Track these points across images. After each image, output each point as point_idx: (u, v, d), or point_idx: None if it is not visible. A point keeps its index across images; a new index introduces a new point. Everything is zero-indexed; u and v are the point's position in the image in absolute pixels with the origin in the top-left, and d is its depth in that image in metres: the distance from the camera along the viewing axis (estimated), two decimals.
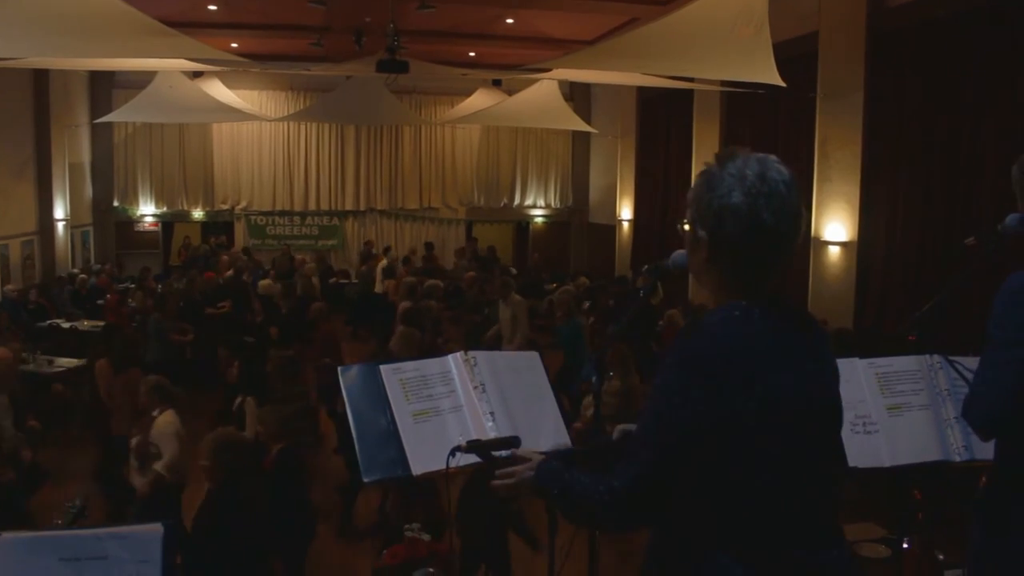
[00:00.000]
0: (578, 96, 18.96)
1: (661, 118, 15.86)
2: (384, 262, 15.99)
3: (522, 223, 20.84)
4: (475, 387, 2.71)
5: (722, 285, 1.90)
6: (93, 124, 16.78)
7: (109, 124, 16.86)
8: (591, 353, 8.86)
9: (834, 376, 1.96)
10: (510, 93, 15.83)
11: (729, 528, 1.81)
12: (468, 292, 13.22)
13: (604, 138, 18.37)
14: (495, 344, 9.45)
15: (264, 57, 15.72)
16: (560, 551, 2.55)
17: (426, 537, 5.02)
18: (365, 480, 2.53)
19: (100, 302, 13.77)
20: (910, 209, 9.13)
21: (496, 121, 17.58)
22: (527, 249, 20.51)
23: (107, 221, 18.22)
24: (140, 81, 14.66)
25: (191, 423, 7.52)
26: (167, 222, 18.99)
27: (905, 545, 3.15)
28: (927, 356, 3.00)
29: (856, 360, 2.92)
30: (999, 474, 2.43)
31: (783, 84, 8.50)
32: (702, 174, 1.89)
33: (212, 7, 12.98)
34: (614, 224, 17.89)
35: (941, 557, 3.24)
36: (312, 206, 19.27)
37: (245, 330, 10.07)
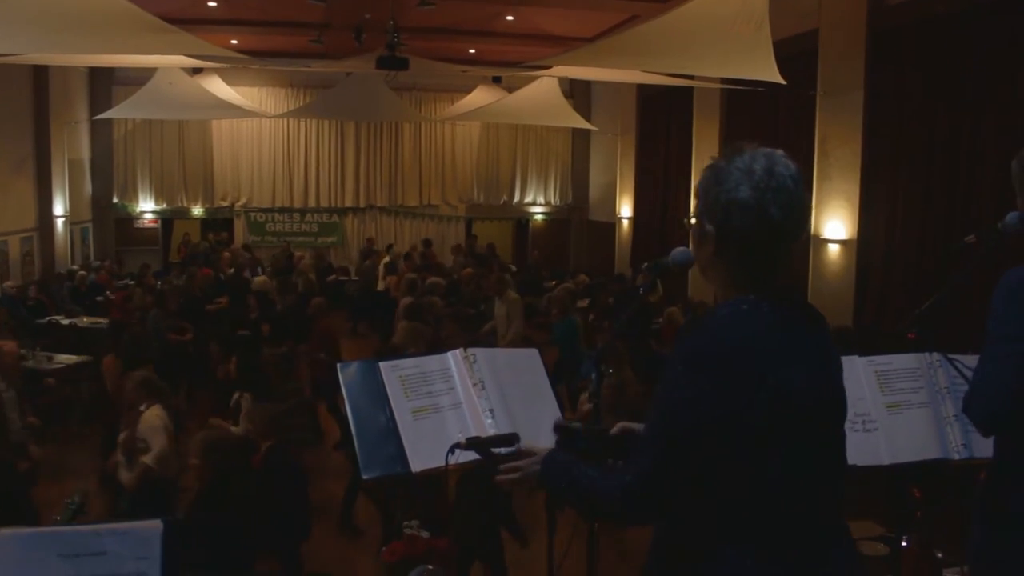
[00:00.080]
0: (578, 93, 18.95)
1: (661, 116, 15.85)
2: (387, 259, 16.01)
3: (522, 220, 20.84)
4: (474, 384, 2.71)
5: (729, 279, 1.90)
6: (93, 120, 16.77)
7: (109, 120, 16.85)
8: (590, 351, 8.88)
9: (839, 370, 1.97)
10: (510, 90, 15.82)
11: (738, 522, 1.82)
12: (465, 288, 13.22)
13: (604, 135, 18.36)
14: (489, 340, 9.46)
15: (264, 54, 15.70)
16: (559, 551, 2.55)
17: (425, 534, 5.03)
18: (364, 477, 2.54)
19: (99, 299, 13.79)
20: (910, 207, 9.13)
21: (496, 118, 17.57)
22: (527, 246, 20.51)
23: (107, 218, 18.21)
24: (140, 78, 14.65)
25: (190, 419, 7.56)
26: (167, 219, 18.99)
27: (904, 543, 3.14)
28: (926, 354, 3.00)
29: (855, 358, 2.92)
30: (999, 470, 2.43)
31: (783, 82, 8.50)
32: (709, 168, 1.90)
33: (212, 3, 12.97)
34: (614, 222, 17.88)
35: (940, 555, 3.24)
36: (312, 203, 19.27)
37: (239, 326, 10.04)
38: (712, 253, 1.90)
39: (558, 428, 2.35)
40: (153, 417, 5.64)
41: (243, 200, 18.92)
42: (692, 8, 8.16)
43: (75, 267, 15.23)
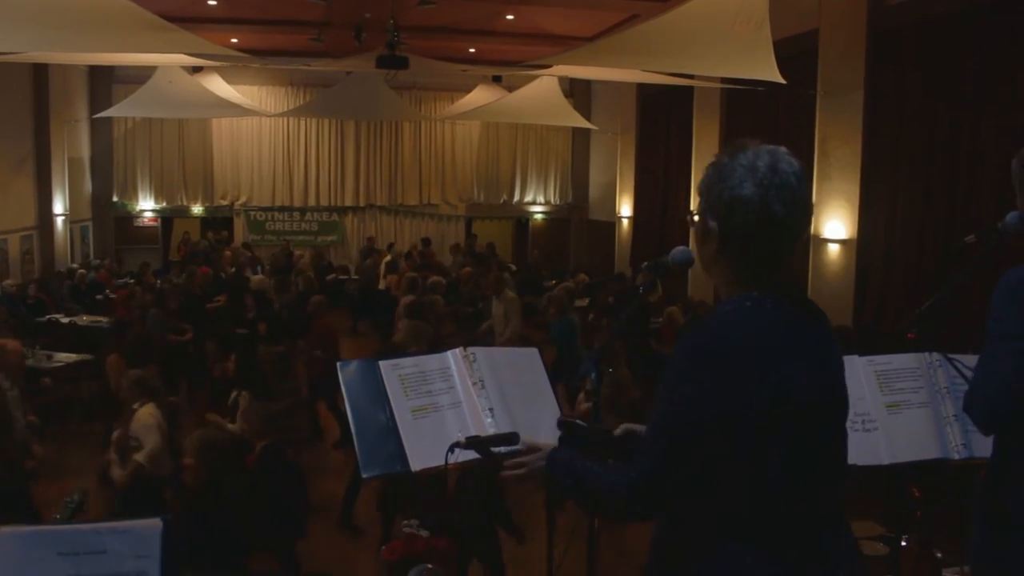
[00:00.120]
0: (578, 93, 18.94)
1: (661, 115, 15.85)
2: (388, 257, 16.01)
3: (522, 220, 20.84)
4: (474, 383, 2.71)
5: (732, 277, 1.90)
6: (92, 119, 16.77)
7: (108, 119, 16.85)
8: (590, 350, 8.88)
9: (841, 369, 1.97)
10: (510, 89, 15.83)
11: (738, 519, 1.82)
12: (463, 287, 13.22)
13: (604, 135, 18.36)
14: (486, 339, 9.45)
15: (264, 52, 15.70)
16: (558, 550, 2.55)
17: (424, 533, 5.03)
18: (364, 476, 2.53)
19: (99, 297, 13.79)
20: (910, 207, 9.13)
21: (496, 117, 17.57)
22: (527, 246, 20.51)
23: (106, 216, 18.22)
24: (140, 76, 14.66)
25: (189, 418, 7.55)
26: (166, 217, 18.99)
27: (903, 543, 3.14)
28: (926, 354, 3.00)
29: (855, 357, 2.92)
30: (998, 469, 2.43)
31: (783, 81, 8.50)
32: (712, 165, 1.90)
33: (212, 2, 12.97)
34: (614, 221, 17.88)
35: (939, 555, 3.24)
36: (312, 202, 19.27)
37: (238, 325, 10.03)
38: (715, 250, 1.90)
39: (562, 424, 2.35)
40: (146, 415, 5.64)
41: (243, 199, 18.92)
42: (692, 7, 8.16)
43: (75, 265, 15.22)
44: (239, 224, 19.10)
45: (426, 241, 18.11)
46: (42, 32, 7.53)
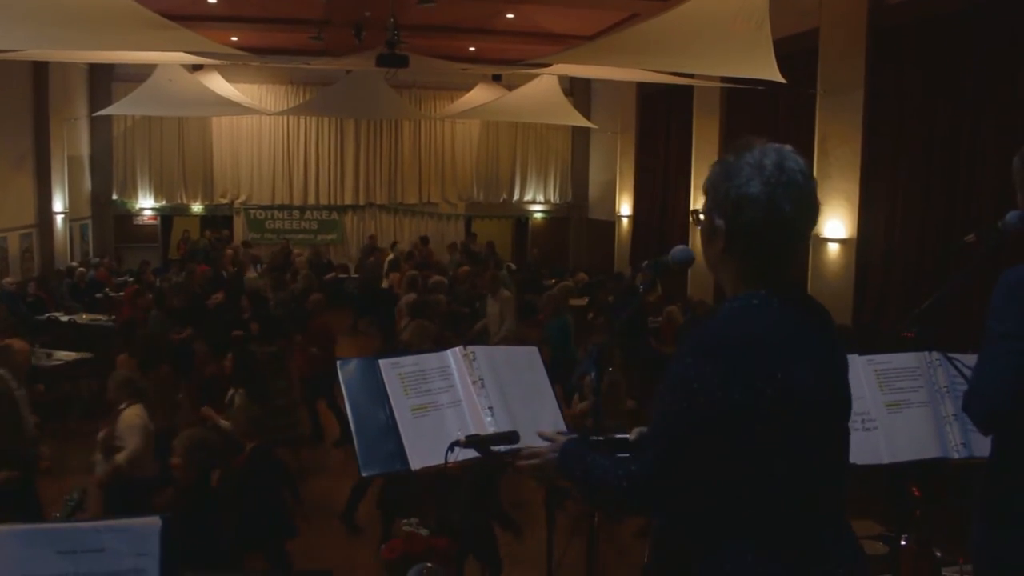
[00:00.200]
0: (578, 91, 18.94)
1: (661, 114, 15.85)
2: (391, 256, 15.99)
3: (521, 218, 20.83)
4: (474, 382, 2.71)
5: (739, 275, 1.90)
6: (92, 117, 16.76)
7: (108, 117, 16.84)
8: (590, 349, 8.87)
9: (845, 368, 1.98)
10: (510, 88, 15.82)
11: (740, 517, 1.82)
12: (461, 287, 13.21)
13: (604, 134, 18.36)
14: (481, 339, 9.43)
15: (264, 51, 15.70)
16: (558, 548, 2.55)
17: (424, 532, 5.04)
18: (364, 474, 2.54)
19: (98, 295, 13.78)
20: (910, 206, 9.13)
21: (496, 116, 17.56)
22: (526, 244, 20.51)
23: (106, 214, 18.20)
24: (139, 74, 14.65)
25: (187, 417, 7.54)
26: (166, 216, 18.98)
27: (903, 542, 3.14)
28: (926, 353, 2.99)
29: (855, 357, 2.91)
30: (998, 468, 2.43)
31: (783, 80, 8.49)
32: (718, 164, 1.90)
33: (212, 0, 12.96)
34: (613, 220, 17.88)
35: (939, 554, 3.24)
36: (311, 200, 19.25)
37: (234, 326, 9.96)
38: (722, 249, 1.89)
39: (563, 434, 2.35)
40: (132, 417, 5.65)
41: (243, 197, 18.91)
42: (692, 6, 8.15)
43: (74, 264, 15.21)
44: (239, 223, 19.09)
45: (424, 240, 18.11)
46: (42, 30, 7.52)
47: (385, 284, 14.70)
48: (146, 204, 18.54)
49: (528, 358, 2.93)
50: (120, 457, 5.49)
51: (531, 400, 2.77)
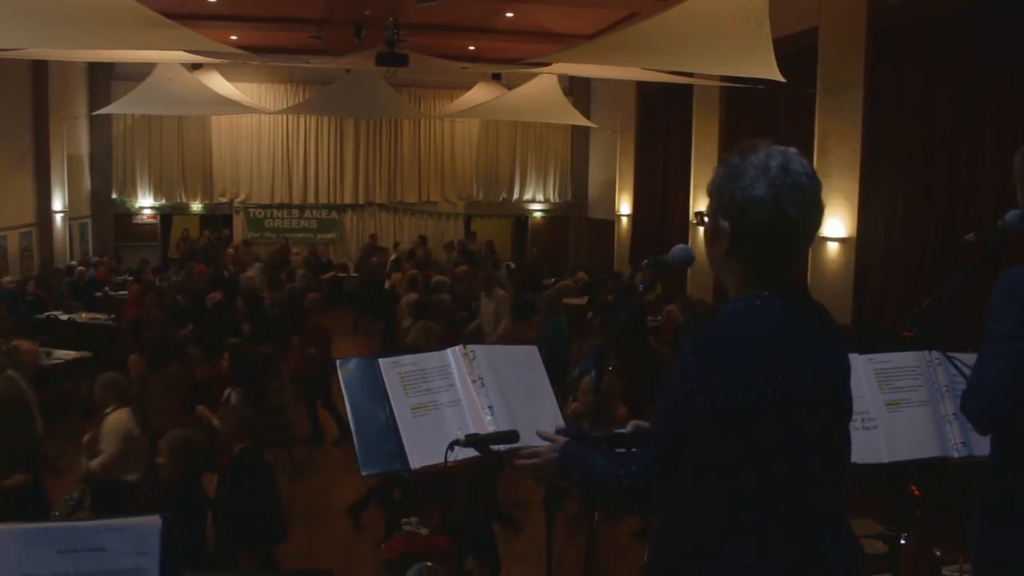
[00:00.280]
0: (578, 91, 18.94)
1: (661, 113, 15.85)
2: (394, 256, 15.97)
3: (521, 217, 20.82)
4: (474, 381, 2.71)
5: (742, 276, 1.90)
6: (92, 116, 16.74)
7: (108, 116, 16.82)
8: (588, 350, 8.86)
9: (847, 370, 1.98)
10: (510, 87, 15.81)
11: (740, 518, 1.82)
12: (459, 286, 13.21)
13: (603, 133, 18.36)
14: (475, 339, 9.41)
15: (263, 50, 15.69)
16: (558, 547, 2.55)
17: (424, 531, 5.04)
18: (363, 474, 2.54)
19: (98, 294, 13.78)
20: (909, 205, 9.13)
21: (495, 115, 17.55)
22: (526, 244, 20.51)
23: (105, 213, 18.19)
24: (139, 73, 14.64)
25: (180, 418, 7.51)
26: (165, 215, 18.97)
27: (902, 541, 3.14)
28: (926, 352, 2.99)
29: (855, 356, 2.91)
30: (997, 468, 2.43)
31: (783, 79, 8.49)
32: (723, 165, 1.90)
33: None
34: (613, 219, 17.88)
35: (939, 553, 3.24)
36: (311, 199, 19.25)
37: (226, 328, 9.91)
38: (726, 251, 1.89)
39: (565, 434, 2.35)
40: (114, 421, 5.65)
41: (242, 196, 18.90)
42: (692, 5, 8.15)
43: (74, 263, 15.20)
44: (238, 221, 19.08)
45: (423, 239, 18.10)
46: (41, 29, 7.52)
47: (387, 284, 14.70)
48: (146, 203, 18.53)
49: (528, 357, 2.94)
50: (94, 463, 5.50)
51: (531, 399, 2.77)
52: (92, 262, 15.82)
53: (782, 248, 1.86)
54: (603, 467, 1.99)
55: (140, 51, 10.76)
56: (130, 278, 14.40)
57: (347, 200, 19.44)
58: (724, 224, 1.87)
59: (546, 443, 2.25)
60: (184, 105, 14.96)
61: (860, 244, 9.69)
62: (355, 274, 17.13)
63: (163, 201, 18.59)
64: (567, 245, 20.55)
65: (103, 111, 15.68)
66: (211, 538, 5.01)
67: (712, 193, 1.92)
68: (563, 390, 7.20)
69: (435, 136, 19.72)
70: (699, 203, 13.09)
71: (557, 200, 20.54)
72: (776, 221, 1.81)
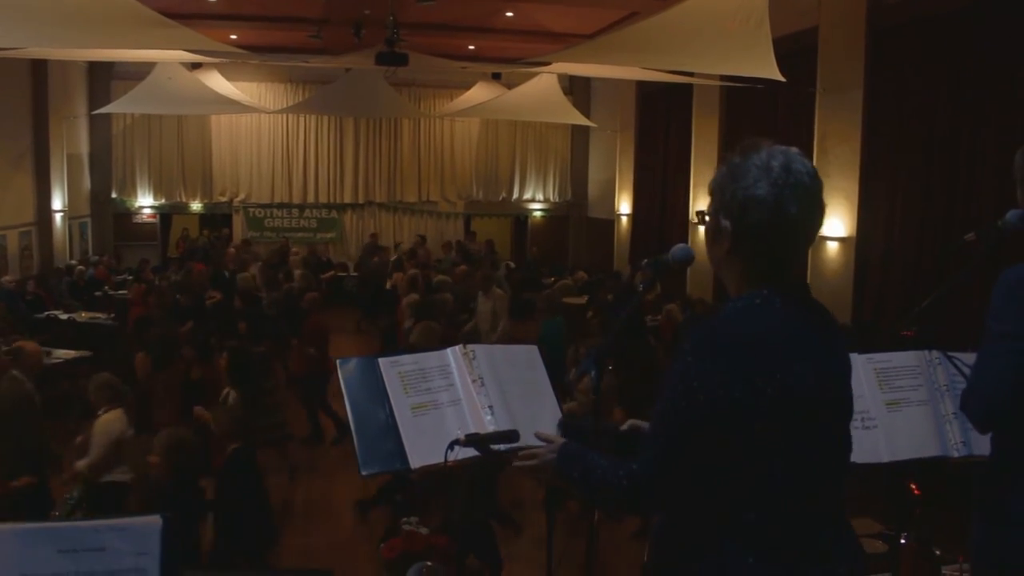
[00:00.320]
0: (577, 90, 18.93)
1: (660, 112, 15.85)
2: (395, 256, 15.97)
3: (521, 217, 20.82)
4: (474, 380, 2.71)
5: (744, 276, 1.90)
6: (91, 115, 16.74)
7: (107, 115, 16.82)
8: (589, 350, 8.85)
9: (847, 369, 1.98)
10: (509, 87, 15.81)
11: (741, 515, 1.82)
12: (458, 286, 13.21)
13: (603, 132, 18.36)
14: (472, 338, 9.40)
15: (263, 49, 15.69)
16: (558, 547, 2.55)
17: (424, 531, 5.04)
18: (363, 473, 2.53)
19: (97, 293, 13.78)
20: (909, 205, 9.13)
21: (495, 115, 17.55)
22: (526, 243, 20.50)
23: (105, 212, 18.19)
24: (139, 72, 14.64)
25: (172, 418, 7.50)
26: (165, 214, 18.97)
27: (903, 540, 3.15)
28: (926, 352, 2.99)
29: (855, 355, 2.91)
30: (997, 468, 2.43)
31: (783, 79, 8.49)
32: (725, 165, 1.90)
33: None
34: (613, 218, 17.88)
35: (938, 553, 3.25)
36: (311, 199, 19.25)
37: (223, 326, 9.89)
38: (727, 250, 1.90)
39: (563, 425, 2.35)
40: (105, 423, 5.65)
41: (242, 195, 18.90)
42: (692, 5, 8.15)
43: (73, 262, 15.21)
44: (238, 221, 19.08)
45: (422, 239, 18.09)
46: (41, 28, 7.51)
47: (388, 284, 14.69)
48: (145, 202, 18.53)
49: (528, 357, 2.93)
50: (81, 464, 5.51)
51: (531, 399, 2.77)
52: (92, 261, 15.83)
53: (783, 247, 1.86)
54: (603, 467, 1.98)
55: (140, 50, 10.75)
56: (130, 277, 14.39)
57: (347, 199, 19.44)
58: (726, 223, 1.88)
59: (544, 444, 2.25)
60: (184, 104, 14.96)
61: (860, 244, 9.69)
62: (355, 273, 17.11)
63: (163, 200, 18.59)
64: (567, 244, 20.55)
65: (103, 110, 15.68)
66: (208, 539, 5.02)
67: (714, 192, 1.92)
68: (560, 390, 7.20)
69: (435, 135, 19.72)
70: (699, 202, 13.10)
71: (557, 199, 20.54)
72: (778, 220, 1.81)
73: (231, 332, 9.55)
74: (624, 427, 2.30)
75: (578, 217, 20.44)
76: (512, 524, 5.93)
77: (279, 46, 16.23)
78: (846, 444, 1.97)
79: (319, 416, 8.90)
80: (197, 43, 9.34)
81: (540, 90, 14.70)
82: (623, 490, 1.91)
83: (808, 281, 9.98)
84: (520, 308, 12.62)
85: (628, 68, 11.78)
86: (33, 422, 5.86)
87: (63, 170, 15.57)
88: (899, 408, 2.90)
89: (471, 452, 2.47)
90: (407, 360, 2.73)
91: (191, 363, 7.59)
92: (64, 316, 11.85)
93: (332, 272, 17.39)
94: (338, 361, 2.69)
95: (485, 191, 20.11)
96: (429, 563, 3.99)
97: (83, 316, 11.96)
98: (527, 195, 20.43)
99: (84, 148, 17.50)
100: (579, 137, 20.12)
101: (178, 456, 4.71)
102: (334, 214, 19.50)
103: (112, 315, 12.21)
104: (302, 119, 18.82)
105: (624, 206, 17.47)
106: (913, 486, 3.08)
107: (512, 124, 19.62)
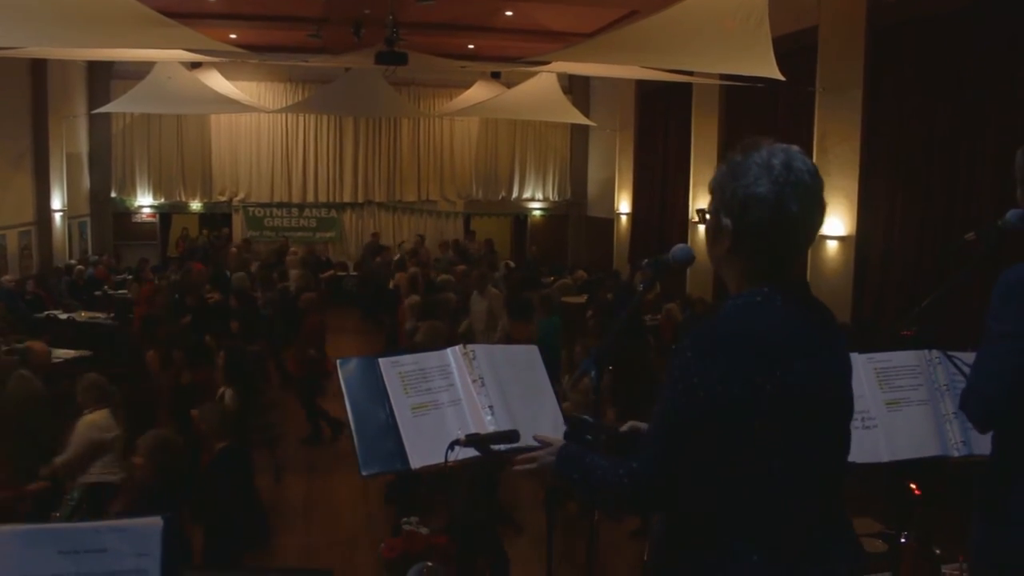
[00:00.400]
0: (577, 89, 18.93)
1: (660, 111, 15.85)
2: (397, 256, 15.95)
3: (520, 216, 20.83)
4: (474, 381, 2.71)
5: (744, 274, 1.90)
6: (91, 114, 16.74)
7: (107, 114, 16.82)
8: (590, 349, 8.85)
9: (847, 368, 1.98)
10: (509, 86, 15.80)
11: (741, 514, 1.82)
12: (458, 286, 13.20)
13: (603, 131, 18.36)
14: (467, 338, 9.38)
15: (262, 48, 15.68)
16: (558, 547, 2.55)
17: (424, 531, 5.04)
18: (363, 473, 2.53)
19: (97, 293, 13.77)
20: (909, 204, 9.14)
21: (495, 114, 17.55)
22: (525, 242, 20.50)
23: (105, 212, 18.19)
24: (138, 72, 14.63)
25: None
26: (165, 213, 18.97)
27: (903, 540, 3.15)
28: (926, 351, 2.99)
29: (855, 355, 2.91)
30: (997, 467, 2.43)
31: (782, 78, 8.49)
32: (725, 163, 1.90)
33: None
34: (612, 218, 17.88)
35: (938, 552, 3.25)
36: (310, 198, 19.25)
37: (219, 326, 9.86)
38: (728, 248, 1.90)
39: (567, 420, 2.35)
40: (86, 425, 5.63)
41: (241, 195, 18.90)
42: (691, 4, 8.15)
43: (73, 261, 15.20)
44: (237, 220, 19.08)
45: (421, 239, 18.08)
46: (41, 27, 7.51)
47: (391, 284, 14.68)
48: (145, 202, 18.53)
49: (528, 357, 2.93)
50: (57, 460, 5.50)
51: (531, 399, 2.77)
52: (91, 261, 15.82)
53: (784, 246, 1.86)
54: (602, 467, 1.98)
55: (139, 50, 10.74)
56: (129, 277, 14.38)
57: (346, 199, 19.45)
58: (726, 221, 1.87)
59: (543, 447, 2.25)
60: (183, 104, 14.96)
61: (859, 243, 9.69)
62: (355, 273, 17.09)
63: (162, 200, 18.59)
64: (566, 244, 20.55)
65: (102, 110, 15.67)
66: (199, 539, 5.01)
67: (714, 190, 1.92)
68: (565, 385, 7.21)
69: (434, 135, 19.72)
70: (698, 201, 13.09)
71: (556, 199, 20.54)
72: (778, 219, 1.81)
73: (227, 332, 9.54)
74: (624, 428, 2.30)
75: (577, 216, 20.44)
76: (512, 525, 5.93)
77: (279, 45, 16.23)
78: (846, 443, 1.97)
79: (318, 416, 8.90)
80: (197, 42, 9.34)
81: (539, 89, 14.69)
82: (624, 489, 1.91)
83: (808, 280, 10.06)
84: (519, 308, 12.62)
85: (628, 67, 11.78)
86: (44, 420, 5.85)
87: (63, 170, 15.57)
88: (899, 408, 2.90)
89: (471, 452, 2.47)
90: (407, 360, 2.73)
91: (181, 367, 7.58)
92: (64, 316, 11.83)
93: (331, 272, 17.38)
94: (338, 361, 2.69)
95: (484, 190, 20.11)
96: (429, 563, 3.99)
97: (83, 316, 11.95)
98: (526, 194, 20.43)
99: (84, 148, 17.50)
100: (578, 136, 20.12)
101: (162, 457, 4.68)
102: (333, 213, 19.50)
103: (112, 315, 12.20)
104: (302, 118, 18.81)
105: (624, 205, 17.48)
106: (913, 486, 3.08)
107: (511, 123, 19.62)
